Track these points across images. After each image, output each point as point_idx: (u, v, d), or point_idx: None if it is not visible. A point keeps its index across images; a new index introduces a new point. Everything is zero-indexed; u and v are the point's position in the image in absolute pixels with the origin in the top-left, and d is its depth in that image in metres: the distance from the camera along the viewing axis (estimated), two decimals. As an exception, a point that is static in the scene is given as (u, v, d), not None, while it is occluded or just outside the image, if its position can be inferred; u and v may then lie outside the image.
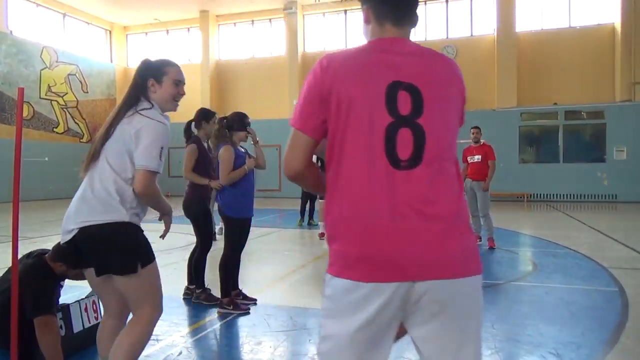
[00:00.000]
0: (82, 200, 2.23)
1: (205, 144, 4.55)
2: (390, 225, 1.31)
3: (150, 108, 2.27)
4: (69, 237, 2.22)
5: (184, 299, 4.55)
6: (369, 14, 1.53)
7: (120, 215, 2.18)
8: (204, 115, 4.59)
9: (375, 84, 1.37)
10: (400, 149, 1.34)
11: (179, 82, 2.40)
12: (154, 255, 2.33)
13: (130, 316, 2.36)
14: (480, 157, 7.49)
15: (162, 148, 2.21)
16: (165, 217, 2.52)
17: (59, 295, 3.10)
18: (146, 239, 2.31)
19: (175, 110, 2.44)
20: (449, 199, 1.36)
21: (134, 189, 2.21)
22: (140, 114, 2.22)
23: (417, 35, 18.61)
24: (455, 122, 1.44)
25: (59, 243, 3.01)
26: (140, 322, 2.26)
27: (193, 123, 4.65)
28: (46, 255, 2.97)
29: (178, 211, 4.28)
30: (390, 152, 1.34)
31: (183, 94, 2.43)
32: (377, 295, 1.31)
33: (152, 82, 2.34)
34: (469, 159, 7.63)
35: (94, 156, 2.26)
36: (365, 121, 1.36)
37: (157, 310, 2.33)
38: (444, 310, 1.33)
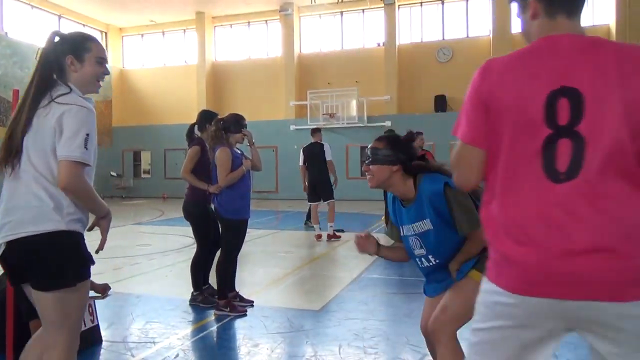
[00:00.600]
0: (7, 210, 1.90)
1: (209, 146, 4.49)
2: (545, 242, 1.25)
3: (68, 93, 1.94)
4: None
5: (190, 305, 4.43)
6: (538, 8, 1.38)
7: (56, 223, 1.87)
8: (207, 117, 4.51)
9: (535, 92, 1.28)
10: (559, 162, 1.25)
11: (103, 60, 2.08)
12: (90, 272, 2.01)
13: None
14: None
15: (87, 135, 1.88)
16: (102, 221, 2.07)
17: None
18: (87, 250, 2.00)
19: (97, 92, 2.12)
20: (612, 215, 1.23)
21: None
22: (57, 103, 1.89)
23: (412, 36, 18.68)
24: (636, 130, 1.23)
25: None
26: (57, 354, 1.91)
27: (196, 126, 4.60)
28: None
29: (177, 213, 4.32)
30: (549, 166, 1.26)
31: (107, 73, 2.13)
32: (524, 307, 1.28)
33: (72, 59, 2.00)
34: None
35: (14, 156, 1.90)
36: (523, 133, 1.29)
37: (76, 339, 1.99)
38: (609, 335, 1.25)
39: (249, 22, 20.75)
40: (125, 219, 12.19)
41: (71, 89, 1.97)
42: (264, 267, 6.24)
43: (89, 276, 2.01)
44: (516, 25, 17.13)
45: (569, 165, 1.24)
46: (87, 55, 2.02)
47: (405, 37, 18.75)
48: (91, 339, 3.39)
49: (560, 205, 1.24)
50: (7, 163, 1.91)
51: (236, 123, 4.22)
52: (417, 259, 2.29)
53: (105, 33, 22.06)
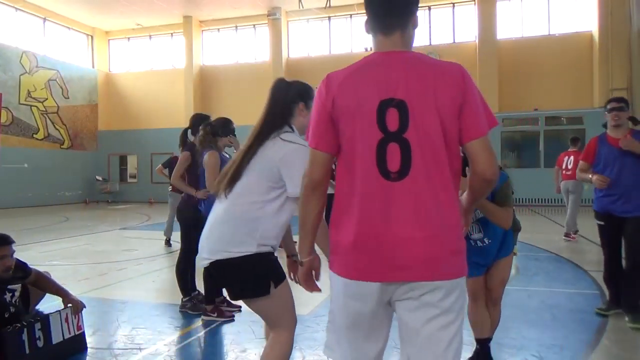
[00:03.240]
0: (210, 229, 2.17)
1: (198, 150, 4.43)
2: (381, 232, 1.45)
3: (291, 132, 2.20)
4: (204, 263, 2.18)
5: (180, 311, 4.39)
6: (367, 27, 1.59)
7: (247, 247, 2.10)
8: (200, 120, 4.42)
9: (368, 103, 1.48)
10: (390, 163, 1.45)
11: None
12: (284, 273, 2.25)
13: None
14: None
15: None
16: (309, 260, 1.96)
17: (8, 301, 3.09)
18: (275, 264, 2.22)
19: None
20: (431, 211, 1.45)
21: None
22: (283, 140, 2.14)
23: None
24: (446, 132, 1.46)
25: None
26: (277, 342, 2.21)
27: (189, 130, 4.55)
28: None
29: (164, 217, 4.26)
30: (381, 165, 1.46)
31: None
32: (361, 291, 1.50)
33: (302, 106, 2.25)
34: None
35: (235, 177, 2.15)
36: (360, 137, 1.48)
37: (290, 328, 2.25)
38: (421, 306, 1.47)
39: (236, 27, 20.73)
40: (111, 223, 12.06)
41: (293, 129, 2.22)
42: (251, 272, 6.18)
43: (281, 279, 2.20)
44: (501, 32, 17.45)
45: (400, 167, 1.45)
46: (311, 103, 2.18)
47: (393, 42, 18.87)
48: (78, 347, 3.36)
49: (392, 201, 1.46)
50: (228, 187, 2.15)
51: (224, 127, 4.20)
52: (472, 242, 2.78)
53: (91, 36, 21.86)
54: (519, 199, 16.45)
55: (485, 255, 2.84)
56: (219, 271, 2.17)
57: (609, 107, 4.10)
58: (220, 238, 2.12)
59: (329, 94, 1.53)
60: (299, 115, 2.25)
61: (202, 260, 2.18)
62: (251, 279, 2.13)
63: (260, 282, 2.13)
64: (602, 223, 4.08)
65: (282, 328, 2.21)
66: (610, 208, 3.94)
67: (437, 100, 1.45)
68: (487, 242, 2.77)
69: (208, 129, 4.17)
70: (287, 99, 2.23)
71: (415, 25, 1.61)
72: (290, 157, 2.08)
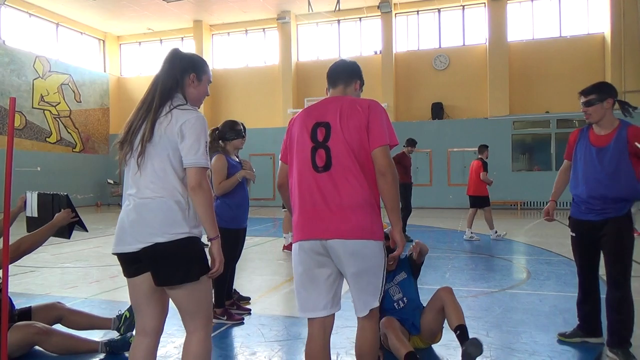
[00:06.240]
0: (136, 209, 2.11)
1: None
2: (311, 208, 2.27)
3: (185, 103, 2.18)
4: (131, 248, 2.13)
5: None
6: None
7: (182, 228, 2.10)
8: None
9: (306, 126, 2.34)
10: (318, 160, 2.28)
11: (209, 84, 2.36)
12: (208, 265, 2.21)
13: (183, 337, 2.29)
14: None
15: (206, 142, 2.13)
16: (213, 243, 2.17)
17: None
18: (204, 250, 2.20)
19: (198, 109, 2.31)
20: (347, 194, 2.22)
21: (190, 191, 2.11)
22: (180, 109, 2.12)
23: (409, 45, 18.80)
24: (358, 142, 2.24)
25: None
26: (197, 340, 2.19)
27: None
28: None
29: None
30: (313, 162, 2.29)
31: (208, 94, 2.37)
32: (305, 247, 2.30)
33: (194, 77, 2.23)
34: None
35: (139, 154, 2.12)
36: (300, 146, 2.33)
37: (208, 323, 2.25)
38: (341, 260, 2.24)
39: (246, 30, 20.84)
40: (122, 226, 12.10)
41: (187, 101, 2.22)
42: (261, 275, 6.21)
43: (208, 269, 2.18)
44: (512, 34, 17.35)
45: (324, 163, 2.27)
46: (204, 76, 2.30)
47: (402, 45, 18.86)
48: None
49: (320, 185, 2.26)
50: (127, 158, 2.17)
51: (231, 129, 4.21)
52: (395, 303, 3.41)
53: (103, 41, 22.10)
54: (530, 202, 16.33)
55: (406, 317, 3.33)
56: (150, 255, 2.08)
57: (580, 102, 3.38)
58: (151, 223, 2.06)
59: (290, 125, 2.46)
60: (189, 86, 2.23)
61: (127, 246, 2.11)
62: (183, 262, 2.09)
63: (192, 266, 2.11)
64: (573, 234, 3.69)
65: (200, 321, 2.18)
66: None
67: (350, 122, 2.26)
68: (405, 303, 3.31)
69: (215, 134, 4.19)
70: (180, 69, 2.22)
71: (357, 90, 2.52)
72: (187, 127, 2.08)
